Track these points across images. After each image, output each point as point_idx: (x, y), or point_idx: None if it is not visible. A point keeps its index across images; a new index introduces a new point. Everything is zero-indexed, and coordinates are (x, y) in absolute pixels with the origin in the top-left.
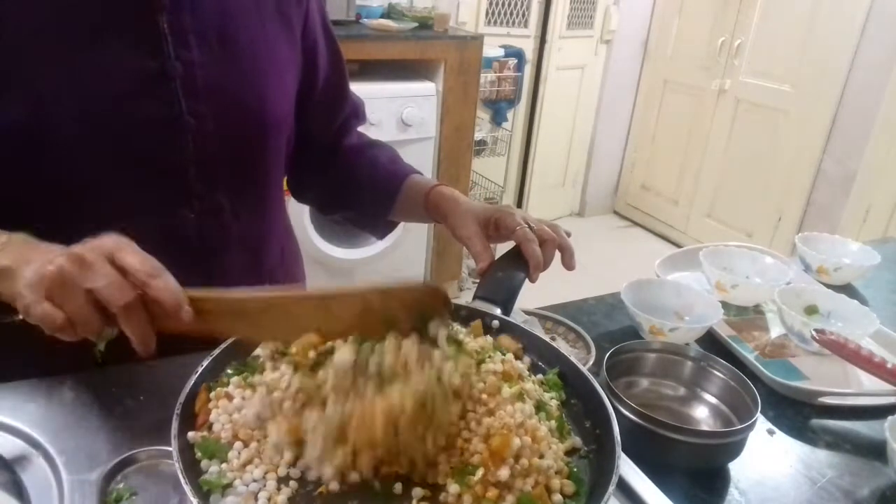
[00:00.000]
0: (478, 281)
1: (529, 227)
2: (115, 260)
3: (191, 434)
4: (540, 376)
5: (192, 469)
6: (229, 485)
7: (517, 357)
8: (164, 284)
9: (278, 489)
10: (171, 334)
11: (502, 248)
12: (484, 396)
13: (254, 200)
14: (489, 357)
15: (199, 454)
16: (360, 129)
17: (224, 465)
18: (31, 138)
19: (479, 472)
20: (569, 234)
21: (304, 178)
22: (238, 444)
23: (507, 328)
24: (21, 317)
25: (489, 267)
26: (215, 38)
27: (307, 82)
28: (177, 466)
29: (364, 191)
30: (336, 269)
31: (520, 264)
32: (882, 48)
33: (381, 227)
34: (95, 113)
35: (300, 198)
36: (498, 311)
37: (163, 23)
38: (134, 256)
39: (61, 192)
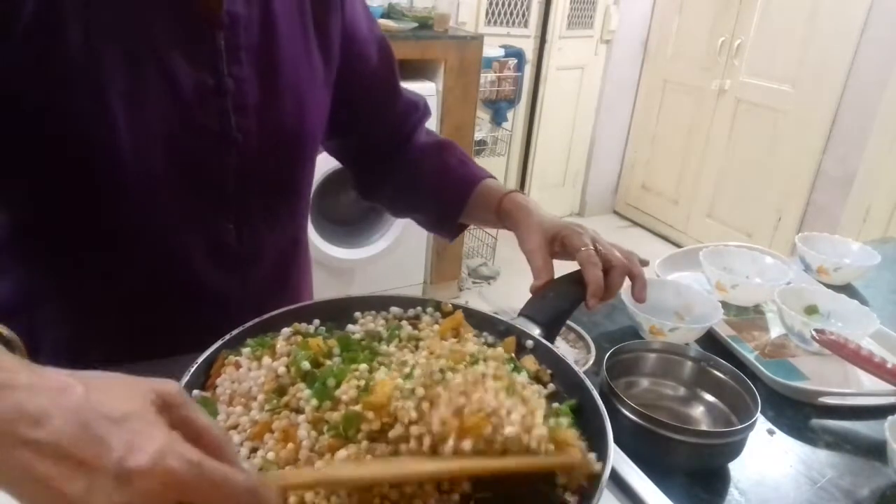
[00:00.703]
0: (478, 281)
1: (597, 249)
2: (189, 429)
3: (195, 392)
4: (556, 405)
5: None
6: None
7: (539, 380)
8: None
9: (249, 456)
10: None
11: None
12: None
13: (286, 211)
14: (482, 360)
15: None
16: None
17: None
18: (92, 146)
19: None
20: (645, 264)
21: (372, 179)
22: (228, 409)
23: (540, 351)
24: None
25: (544, 285)
26: (262, 54)
27: (348, 84)
28: None
29: (433, 194)
30: (336, 270)
31: (577, 287)
32: (882, 48)
33: (452, 230)
34: (155, 124)
35: (370, 199)
36: (537, 332)
37: (220, 39)
38: (210, 425)
39: (113, 200)
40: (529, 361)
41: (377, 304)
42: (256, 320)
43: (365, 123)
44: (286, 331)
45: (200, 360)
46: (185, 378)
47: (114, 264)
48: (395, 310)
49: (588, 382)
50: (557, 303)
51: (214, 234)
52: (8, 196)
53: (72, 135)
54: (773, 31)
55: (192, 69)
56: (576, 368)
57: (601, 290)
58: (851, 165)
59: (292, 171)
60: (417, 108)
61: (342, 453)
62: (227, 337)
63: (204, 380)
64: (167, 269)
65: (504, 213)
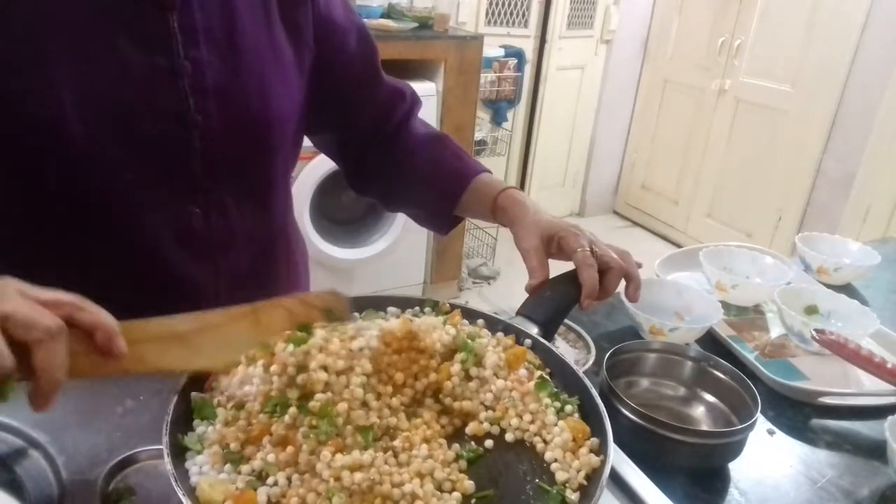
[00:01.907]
0: (478, 281)
1: (592, 250)
2: (38, 297)
3: (194, 394)
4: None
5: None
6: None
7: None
8: (97, 309)
9: (248, 459)
10: (90, 376)
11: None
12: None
13: (259, 199)
14: (491, 348)
15: (193, 412)
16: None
17: (210, 429)
18: (44, 132)
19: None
20: (640, 265)
21: (364, 171)
22: (226, 412)
23: (539, 350)
24: None
25: (540, 285)
26: (223, 38)
27: (325, 76)
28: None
29: (428, 187)
30: (336, 269)
31: (573, 288)
32: (882, 48)
33: (446, 224)
34: (106, 106)
35: (362, 192)
36: (535, 331)
37: (173, 21)
38: (58, 292)
39: (74, 189)
40: (529, 357)
41: (374, 304)
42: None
43: (349, 114)
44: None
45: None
46: (183, 380)
47: (84, 248)
48: (392, 310)
49: (587, 382)
50: (555, 303)
51: (181, 218)
52: None
53: (20, 116)
54: (773, 31)
55: (142, 51)
56: (575, 368)
57: (596, 292)
58: (851, 165)
59: (261, 157)
60: (404, 97)
61: (341, 457)
62: None
63: (202, 380)
64: (136, 253)
65: (500, 209)
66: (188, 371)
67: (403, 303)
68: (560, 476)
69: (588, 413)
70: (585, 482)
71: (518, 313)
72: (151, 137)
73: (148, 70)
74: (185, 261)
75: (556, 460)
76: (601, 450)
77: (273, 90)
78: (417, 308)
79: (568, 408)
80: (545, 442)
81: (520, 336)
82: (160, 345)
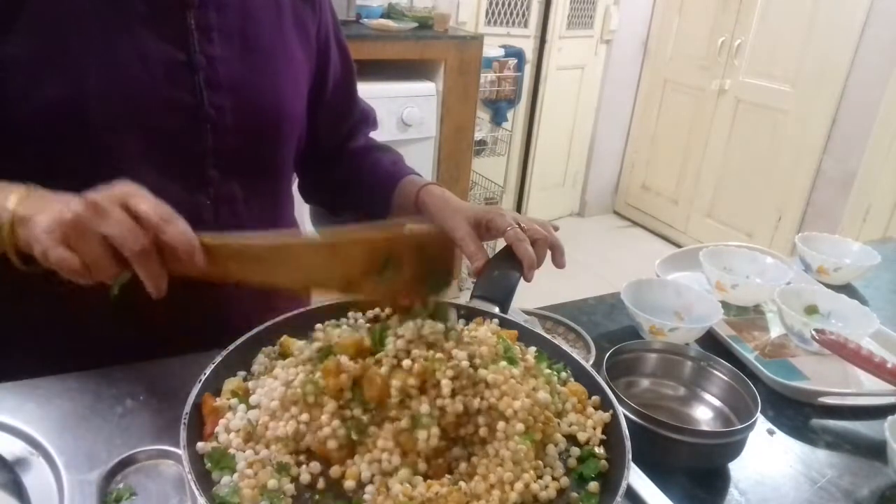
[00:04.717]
0: (476, 281)
1: (520, 226)
2: (129, 206)
3: (200, 444)
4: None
5: (205, 481)
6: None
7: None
8: (177, 229)
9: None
10: (185, 278)
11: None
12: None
13: (266, 193)
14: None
15: (208, 465)
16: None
17: (235, 476)
18: (66, 120)
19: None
20: (557, 229)
21: (312, 179)
22: (243, 454)
23: (507, 326)
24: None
25: (484, 266)
26: (237, 36)
27: (318, 86)
28: (189, 479)
29: (365, 191)
30: None
31: (514, 264)
32: (882, 48)
33: None
34: (128, 97)
35: (309, 199)
36: (496, 310)
37: (190, 18)
38: (147, 203)
39: (92, 178)
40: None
41: (336, 312)
42: (231, 347)
43: (322, 128)
44: (257, 368)
45: (188, 408)
46: (184, 433)
47: None
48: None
49: (564, 346)
50: (504, 281)
51: (192, 210)
52: None
53: (45, 105)
54: (773, 31)
55: (162, 44)
56: (547, 336)
57: (534, 264)
58: (851, 165)
59: (271, 152)
60: (368, 121)
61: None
62: (203, 378)
63: (199, 427)
64: None
65: (421, 204)
66: (267, 285)
67: (364, 305)
68: (581, 436)
69: (577, 375)
70: (605, 437)
71: (474, 296)
72: (167, 129)
73: (167, 64)
74: None
75: (572, 424)
76: (603, 406)
77: (284, 88)
78: (378, 309)
79: (563, 375)
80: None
81: (486, 317)
82: (240, 261)
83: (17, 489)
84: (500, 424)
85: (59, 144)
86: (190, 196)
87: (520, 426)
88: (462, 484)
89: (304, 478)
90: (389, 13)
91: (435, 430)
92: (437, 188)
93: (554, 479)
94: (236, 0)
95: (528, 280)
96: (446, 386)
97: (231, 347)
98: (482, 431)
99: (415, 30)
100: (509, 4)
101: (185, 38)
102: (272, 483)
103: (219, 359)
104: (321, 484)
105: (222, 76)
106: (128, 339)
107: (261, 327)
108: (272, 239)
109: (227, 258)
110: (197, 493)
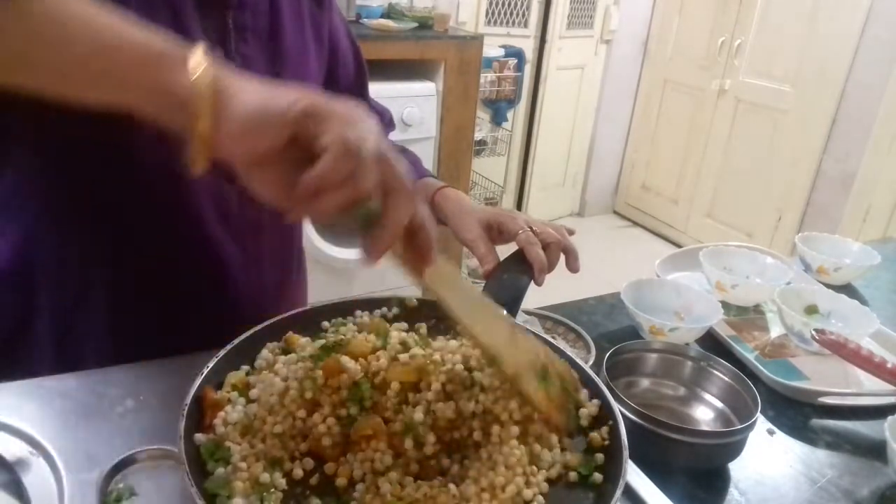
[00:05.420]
0: (478, 281)
1: (532, 230)
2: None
3: (198, 435)
4: None
5: (200, 474)
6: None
7: None
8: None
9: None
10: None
11: (507, 250)
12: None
13: None
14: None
15: (205, 457)
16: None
17: (228, 468)
18: (115, 112)
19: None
20: (572, 233)
21: None
22: (238, 447)
23: None
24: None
25: (494, 269)
26: (267, 38)
27: (330, 85)
28: (185, 473)
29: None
30: (336, 269)
31: (524, 267)
32: (882, 48)
33: None
34: None
35: None
36: (504, 313)
37: (229, 18)
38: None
39: (125, 159)
40: None
41: (342, 310)
42: (228, 347)
43: None
44: (260, 363)
45: (189, 399)
46: (181, 423)
47: (135, 221)
48: (359, 313)
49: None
50: (513, 283)
51: (219, 199)
52: (12, 158)
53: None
54: (773, 31)
55: (205, 41)
56: (549, 339)
57: (546, 268)
58: (851, 165)
59: None
60: (383, 121)
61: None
62: (206, 370)
63: (199, 418)
64: (181, 228)
65: (436, 206)
66: (460, 320)
67: (370, 304)
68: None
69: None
70: (606, 439)
71: None
72: None
73: None
74: (222, 241)
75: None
76: (602, 408)
77: (306, 87)
78: (385, 308)
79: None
80: None
81: None
82: (453, 287)
83: (17, 489)
84: (495, 428)
85: (96, 128)
86: (219, 186)
87: (514, 430)
88: (452, 487)
89: (297, 473)
90: (389, 13)
91: (431, 438)
92: (453, 191)
93: (548, 479)
94: (266, 4)
95: (538, 284)
96: (436, 389)
97: (235, 342)
98: (476, 435)
99: (415, 30)
100: (509, 4)
101: (224, 37)
102: (264, 477)
103: (222, 353)
104: (314, 480)
105: (254, 75)
106: (149, 332)
107: (266, 323)
108: (478, 292)
109: (446, 274)
110: (189, 482)
